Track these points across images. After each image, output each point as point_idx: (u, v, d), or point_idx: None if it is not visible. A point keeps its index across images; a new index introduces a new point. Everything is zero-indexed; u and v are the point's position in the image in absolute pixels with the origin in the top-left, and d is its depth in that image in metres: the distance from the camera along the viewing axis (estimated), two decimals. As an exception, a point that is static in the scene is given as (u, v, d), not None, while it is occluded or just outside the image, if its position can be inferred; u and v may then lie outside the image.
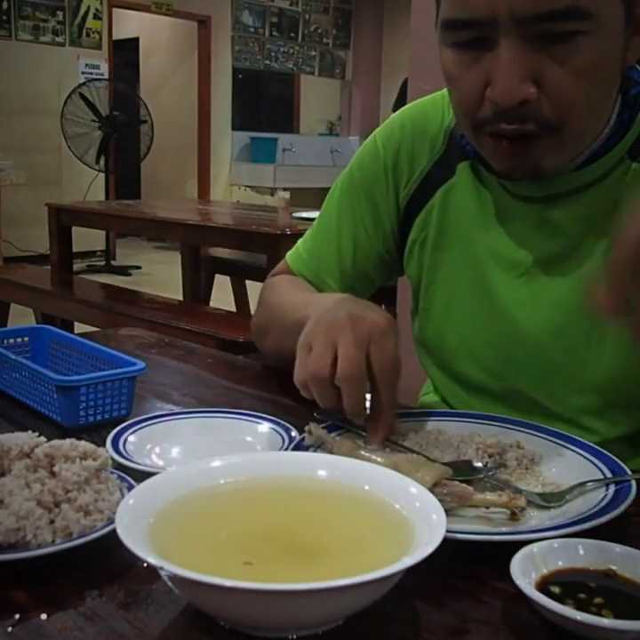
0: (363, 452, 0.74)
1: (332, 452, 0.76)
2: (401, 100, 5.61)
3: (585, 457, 0.80)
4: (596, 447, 0.81)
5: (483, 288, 0.98)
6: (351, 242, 1.10)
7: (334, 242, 1.11)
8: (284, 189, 9.08)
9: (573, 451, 0.81)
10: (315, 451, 0.79)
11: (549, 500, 0.73)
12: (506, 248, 0.96)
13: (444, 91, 1.04)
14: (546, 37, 0.76)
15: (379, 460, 0.71)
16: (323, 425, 0.84)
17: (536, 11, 0.74)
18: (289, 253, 1.19)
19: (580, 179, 0.90)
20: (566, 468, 0.79)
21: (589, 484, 0.74)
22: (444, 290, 1.03)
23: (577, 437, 0.84)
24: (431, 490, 0.63)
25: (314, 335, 0.81)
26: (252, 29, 9.48)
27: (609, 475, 0.75)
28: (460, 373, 1.04)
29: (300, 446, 0.81)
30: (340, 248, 1.11)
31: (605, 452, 0.79)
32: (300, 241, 1.18)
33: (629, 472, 0.75)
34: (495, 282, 0.97)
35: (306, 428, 0.82)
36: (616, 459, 0.78)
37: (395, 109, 6.40)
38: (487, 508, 0.70)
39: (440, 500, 0.60)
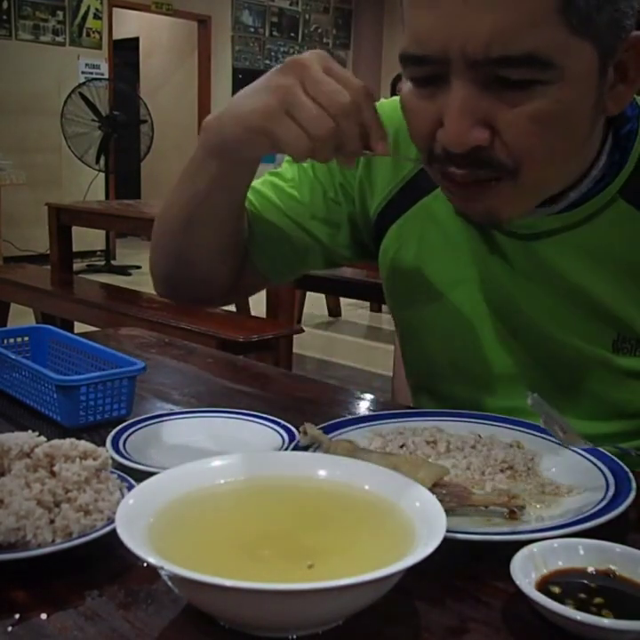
0: (361, 453, 0.74)
1: (329, 453, 0.76)
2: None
3: (585, 457, 0.80)
4: (596, 447, 0.80)
5: (465, 310, 0.95)
6: (308, 194, 1.02)
7: (284, 196, 1.02)
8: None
9: (573, 451, 0.81)
10: (314, 451, 0.79)
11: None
12: (494, 270, 0.92)
13: None
14: (501, 82, 0.71)
15: (378, 460, 0.71)
16: (318, 426, 0.83)
17: (489, 55, 0.69)
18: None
19: (565, 219, 0.87)
20: (566, 468, 0.79)
21: None
22: (427, 310, 0.98)
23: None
24: (431, 489, 0.63)
25: (281, 97, 0.74)
26: (252, 29, 9.48)
27: (609, 475, 0.75)
28: (448, 395, 1.01)
29: (299, 446, 0.81)
30: (288, 207, 1.02)
31: (605, 452, 0.79)
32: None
33: (630, 472, 0.75)
34: (480, 304, 0.94)
35: (300, 428, 0.81)
36: (616, 459, 0.78)
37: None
38: (486, 507, 0.70)
39: (439, 500, 0.60)
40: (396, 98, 1.02)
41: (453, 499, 0.68)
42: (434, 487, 0.67)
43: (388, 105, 0.98)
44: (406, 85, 0.79)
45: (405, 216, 0.98)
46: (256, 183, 1.02)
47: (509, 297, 0.92)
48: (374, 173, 1.00)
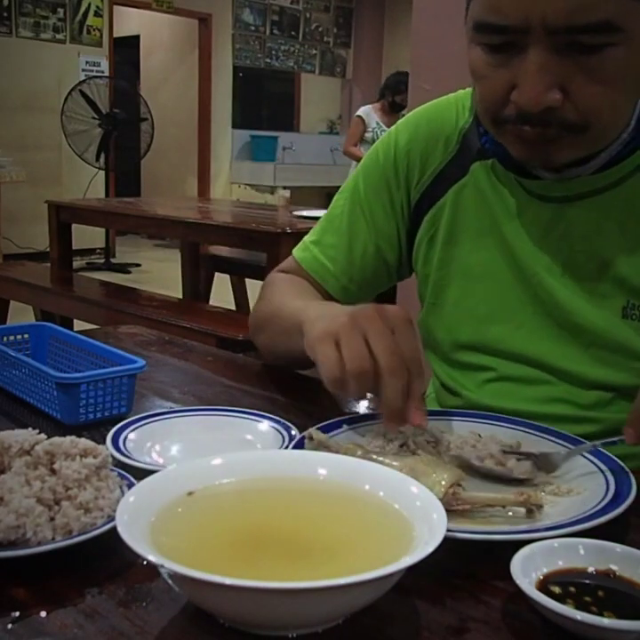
0: (374, 456, 0.73)
1: None
2: (384, 88, 5.67)
3: (585, 457, 0.80)
4: (597, 447, 0.81)
5: (494, 285, 1.00)
6: (363, 237, 1.11)
7: (345, 236, 1.12)
8: (284, 188, 9.07)
9: (573, 451, 0.81)
10: None
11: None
12: (520, 246, 0.97)
13: (458, 93, 1.07)
14: (575, 47, 0.77)
15: (394, 463, 0.70)
16: (319, 425, 0.83)
17: (569, 23, 0.75)
18: (295, 248, 1.19)
19: (596, 182, 0.92)
20: (566, 468, 0.79)
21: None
22: (455, 286, 1.04)
23: (577, 437, 0.84)
24: (447, 492, 0.64)
25: (338, 329, 0.79)
26: (252, 27, 9.48)
27: (609, 474, 0.75)
28: (471, 365, 1.04)
29: (300, 445, 0.80)
30: (350, 242, 1.11)
31: (605, 451, 0.80)
32: (306, 236, 1.18)
33: (630, 472, 0.75)
34: (508, 279, 0.99)
35: (305, 433, 0.81)
36: (616, 458, 0.78)
37: (380, 97, 6.26)
38: (504, 506, 0.70)
39: (455, 502, 0.60)
40: (422, 110, 1.09)
41: (470, 499, 0.68)
42: (450, 488, 0.67)
43: (423, 118, 1.07)
44: (475, 52, 0.84)
45: (437, 205, 1.04)
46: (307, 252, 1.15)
47: (533, 263, 0.96)
48: (411, 175, 1.07)
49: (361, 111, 5.81)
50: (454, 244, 1.03)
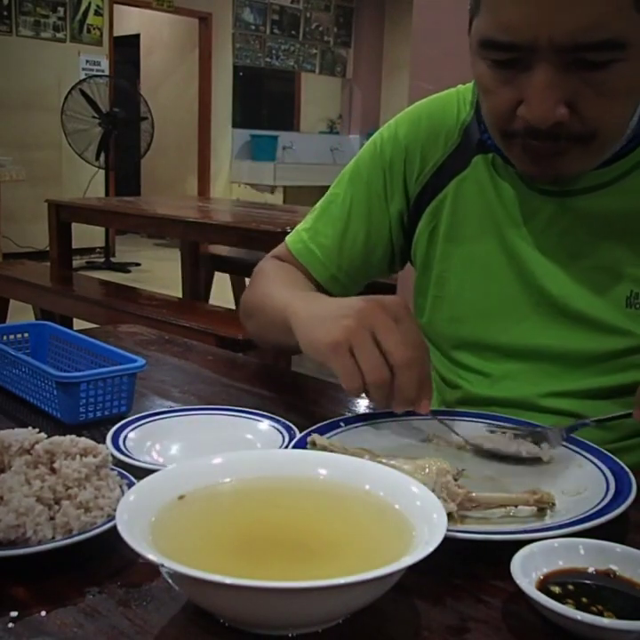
0: (384, 460, 0.72)
1: None
2: None
3: (585, 457, 0.80)
4: (597, 447, 0.81)
5: (494, 278, 1.00)
6: (356, 226, 1.10)
7: (340, 224, 1.11)
8: (284, 187, 9.07)
9: (573, 451, 0.82)
10: None
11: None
12: (519, 240, 0.98)
13: (459, 87, 1.07)
14: (581, 64, 0.78)
15: (405, 467, 0.70)
16: (317, 426, 0.83)
17: (576, 42, 0.76)
18: (289, 235, 1.19)
19: (600, 177, 0.93)
20: (566, 468, 0.79)
21: None
22: (456, 278, 1.04)
23: (577, 437, 0.84)
24: (456, 492, 0.64)
25: (348, 336, 0.78)
26: (253, 27, 9.47)
27: (609, 475, 0.75)
28: (472, 358, 1.04)
29: (300, 445, 0.80)
30: (344, 230, 1.11)
31: (605, 451, 0.80)
32: (299, 224, 1.18)
33: (630, 472, 0.75)
34: (507, 273, 0.99)
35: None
36: (616, 458, 0.78)
37: None
38: (516, 506, 0.70)
39: (464, 502, 0.61)
40: (423, 104, 1.09)
41: (484, 500, 0.68)
42: (459, 488, 0.67)
43: (424, 112, 1.07)
44: (481, 67, 0.85)
45: (438, 198, 1.05)
46: (301, 240, 1.15)
47: (534, 257, 0.97)
48: (410, 168, 1.07)
49: None
50: (455, 236, 1.04)
